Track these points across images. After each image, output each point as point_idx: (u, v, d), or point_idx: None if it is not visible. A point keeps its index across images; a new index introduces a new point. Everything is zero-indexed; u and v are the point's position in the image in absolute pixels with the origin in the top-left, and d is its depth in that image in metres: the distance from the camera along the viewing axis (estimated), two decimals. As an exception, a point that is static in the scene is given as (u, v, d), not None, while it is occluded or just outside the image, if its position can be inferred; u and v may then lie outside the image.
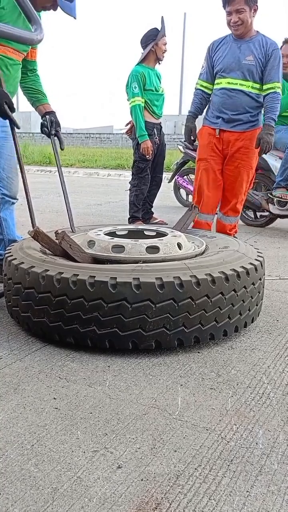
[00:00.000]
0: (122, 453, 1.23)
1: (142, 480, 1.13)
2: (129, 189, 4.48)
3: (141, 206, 4.45)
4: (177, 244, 2.12)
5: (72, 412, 1.40)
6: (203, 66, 3.20)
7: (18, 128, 2.20)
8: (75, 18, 2.27)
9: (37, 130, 22.28)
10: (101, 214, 5.42)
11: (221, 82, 3.07)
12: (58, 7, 2.24)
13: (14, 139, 2.27)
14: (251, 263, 1.96)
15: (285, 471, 1.17)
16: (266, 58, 2.98)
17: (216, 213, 3.35)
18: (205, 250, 2.20)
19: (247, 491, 1.10)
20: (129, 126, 4.50)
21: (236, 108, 3.06)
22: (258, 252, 2.16)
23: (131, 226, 2.61)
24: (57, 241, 1.99)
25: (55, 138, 2.60)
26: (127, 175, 10.99)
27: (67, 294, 1.74)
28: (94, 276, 1.73)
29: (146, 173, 4.35)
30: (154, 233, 2.40)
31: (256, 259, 2.03)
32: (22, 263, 1.92)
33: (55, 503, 1.05)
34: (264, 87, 3.02)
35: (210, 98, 3.21)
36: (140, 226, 2.69)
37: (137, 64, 4.23)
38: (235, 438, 1.30)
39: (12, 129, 2.22)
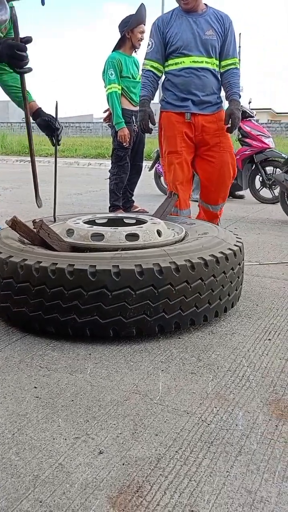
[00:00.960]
0: (104, 439, 1.23)
1: (123, 464, 1.14)
2: (109, 178, 4.46)
3: (121, 195, 4.43)
4: (157, 231, 2.12)
5: (53, 400, 1.40)
6: (149, 45, 2.92)
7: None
8: (43, 3, 2.16)
9: (16, 120, 21.94)
10: (81, 203, 5.38)
11: (182, 62, 2.83)
12: None
13: (28, 129, 2.21)
14: (230, 249, 1.97)
15: (264, 451, 1.19)
16: (225, 32, 2.87)
17: (200, 203, 3.15)
18: (184, 236, 2.20)
19: (227, 471, 1.12)
20: (107, 113, 4.46)
21: (205, 88, 2.86)
22: (237, 238, 2.17)
23: (111, 215, 2.60)
24: (35, 230, 1.97)
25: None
26: (108, 164, 10.91)
27: (46, 283, 1.73)
28: (73, 265, 1.72)
29: (126, 161, 4.32)
30: (133, 221, 2.39)
31: (235, 245, 2.04)
32: (0, 253, 1.89)
33: (36, 490, 1.05)
34: (223, 63, 2.90)
35: (164, 80, 2.96)
36: (119, 214, 2.67)
37: (113, 51, 4.18)
38: (215, 420, 1.32)
39: (27, 120, 2.15)
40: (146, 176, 6.02)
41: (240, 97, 2.93)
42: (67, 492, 1.05)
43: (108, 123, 4.48)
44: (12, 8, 2.06)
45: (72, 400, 1.40)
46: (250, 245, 3.37)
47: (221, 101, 2.99)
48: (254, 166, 5.48)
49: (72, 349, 1.73)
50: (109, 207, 4.44)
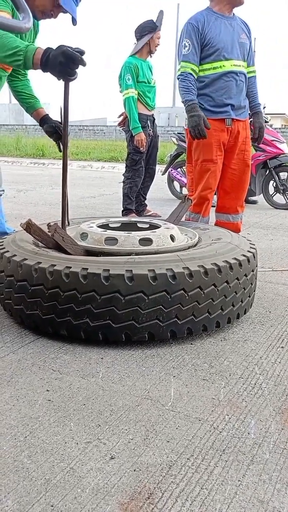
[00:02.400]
0: (115, 444, 1.23)
1: (135, 470, 1.14)
2: (123, 181, 4.47)
3: (134, 199, 4.44)
4: (170, 236, 2.12)
5: (65, 404, 1.40)
6: (186, 46, 2.75)
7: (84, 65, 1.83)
8: (75, 22, 2.16)
9: (30, 123, 22.12)
10: (94, 206, 5.40)
11: (223, 65, 2.73)
12: (59, 15, 2.17)
13: (64, 128, 2.15)
14: (243, 255, 1.97)
15: (276, 460, 1.18)
16: (249, 39, 2.85)
17: (219, 217, 3.10)
18: (198, 242, 2.20)
19: (239, 480, 1.11)
20: (121, 118, 4.48)
21: (242, 93, 2.82)
22: (250, 243, 2.16)
23: (124, 219, 2.61)
24: (49, 233, 1.99)
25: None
26: (121, 167, 10.95)
27: (60, 286, 1.74)
28: (87, 268, 1.73)
29: (140, 165, 4.34)
30: (147, 226, 2.40)
31: (248, 251, 2.03)
32: (15, 255, 1.91)
33: (48, 494, 1.05)
34: (249, 69, 2.88)
35: (201, 84, 2.80)
36: (133, 218, 2.68)
37: (130, 56, 4.20)
38: (227, 428, 1.31)
39: (65, 120, 2.12)
40: (159, 180, 6.03)
41: (261, 106, 2.96)
42: (78, 497, 1.05)
43: (123, 128, 4.50)
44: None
45: (84, 404, 1.41)
46: (263, 251, 3.35)
47: (249, 107, 2.97)
48: (268, 171, 5.46)
49: (84, 353, 1.74)
50: (122, 211, 4.45)
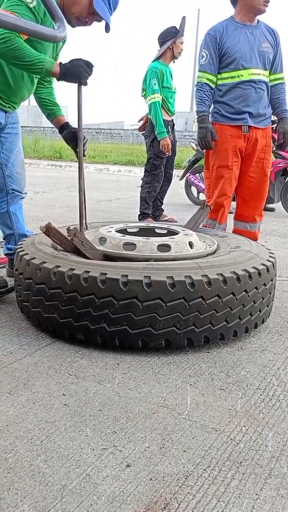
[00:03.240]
0: (131, 451, 1.23)
1: (151, 479, 1.13)
2: (141, 186, 4.47)
3: (152, 203, 4.44)
4: (189, 243, 2.11)
5: (81, 409, 1.40)
6: (204, 56, 2.82)
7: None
8: (108, 29, 2.21)
9: (48, 125, 22.32)
10: (111, 210, 5.42)
11: (241, 74, 2.76)
12: (93, 22, 2.20)
13: (79, 141, 2.37)
14: (263, 264, 1.95)
15: (294, 475, 1.16)
16: (276, 46, 2.85)
17: (237, 225, 3.10)
18: (216, 249, 2.19)
19: (256, 494, 1.10)
20: (141, 122, 4.48)
21: (261, 101, 2.82)
22: (270, 252, 2.14)
23: (142, 224, 2.61)
24: (68, 237, 1.99)
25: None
26: (137, 171, 10.97)
27: (78, 290, 1.74)
28: (106, 273, 1.73)
29: (160, 170, 4.35)
30: (165, 231, 2.39)
31: (268, 260, 2.01)
32: (34, 258, 1.92)
33: (64, 500, 1.05)
34: (272, 77, 2.87)
35: (217, 92, 2.86)
36: (151, 223, 2.68)
37: (154, 61, 4.22)
38: (244, 440, 1.29)
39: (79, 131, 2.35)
40: (176, 185, 6.02)
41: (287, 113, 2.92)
42: (94, 504, 1.05)
43: (143, 133, 4.51)
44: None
45: (100, 410, 1.40)
46: (281, 259, 3.32)
47: (270, 114, 2.95)
48: (287, 179, 5.42)
49: (101, 357, 1.74)
50: (139, 215, 4.45)
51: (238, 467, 1.19)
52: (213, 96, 2.91)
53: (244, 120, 2.82)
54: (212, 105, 2.95)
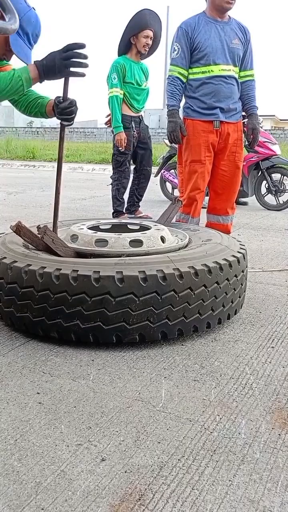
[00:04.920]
0: (106, 446, 1.23)
1: (125, 472, 1.14)
2: (111, 184, 4.47)
3: (123, 200, 4.44)
4: (161, 237, 2.12)
5: (56, 407, 1.40)
6: (176, 50, 2.82)
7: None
8: (29, 61, 1.93)
9: (21, 125, 22.05)
10: (85, 208, 5.39)
11: (211, 70, 2.79)
12: (12, 57, 1.94)
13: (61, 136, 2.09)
14: (233, 256, 1.97)
15: (267, 460, 1.19)
16: (246, 43, 2.89)
17: (209, 218, 3.14)
18: (188, 243, 2.20)
19: (230, 480, 1.11)
20: (109, 117, 4.47)
21: (232, 96, 2.86)
22: (240, 244, 2.17)
23: (115, 220, 2.61)
24: (39, 235, 1.98)
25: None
26: (111, 169, 10.95)
27: (50, 288, 1.73)
28: (77, 270, 1.72)
29: (126, 166, 4.32)
30: (137, 227, 2.40)
31: (238, 252, 2.04)
32: (5, 258, 1.90)
33: (38, 497, 1.05)
34: (242, 73, 2.92)
35: (188, 87, 2.89)
36: (123, 220, 2.68)
37: (119, 55, 4.17)
38: (218, 428, 1.31)
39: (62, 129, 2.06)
40: (151, 182, 6.03)
41: (257, 109, 2.98)
42: (69, 499, 1.05)
43: (109, 127, 4.50)
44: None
45: (75, 407, 1.40)
46: (253, 251, 3.37)
47: (241, 109, 2.99)
48: (260, 173, 5.49)
49: (75, 355, 1.73)
50: (113, 213, 4.45)
51: (212, 455, 1.20)
52: (185, 91, 2.93)
53: (215, 116, 2.86)
54: (184, 100, 2.97)
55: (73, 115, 2.00)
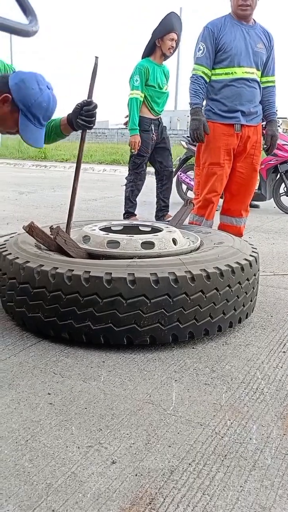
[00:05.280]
0: (117, 448, 1.23)
1: (136, 475, 1.13)
2: (125, 185, 4.46)
3: (136, 202, 4.42)
4: (172, 239, 2.11)
5: (67, 408, 1.40)
6: (201, 49, 2.81)
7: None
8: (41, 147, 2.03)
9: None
10: (96, 209, 5.40)
11: (234, 72, 2.79)
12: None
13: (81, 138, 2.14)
14: (245, 259, 1.96)
15: (278, 466, 1.18)
16: (270, 49, 2.88)
17: (223, 219, 3.14)
18: (200, 245, 2.20)
19: (241, 486, 1.11)
20: (127, 118, 4.46)
21: (254, 99, 2.85)
22: (252, 248, 2.16)
23: (126, 222, 2.61)
24: (52, 236, 1.99)
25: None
26: (123, 170, 10.94)
27: (62, 289, 1.74)
28: (89, 272, 1.73)
29: (142, 168, 4.32)
30: (149, 229, 2.40)
31: (250, 255, 2.03)
32: (17, 258, 1.91)
33: (49, 498, 1.05)
34: (264, 79, 2.92)
35: (213, 89, 2.86)
36: (135, 221, 2.68)
37: (143, 58, 4.15)
38: (229, 433, 1.31)
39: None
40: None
41: (276, 116, 2.98)
42: (79, 501, 1.05)
43: (127, 127, 4.50)
44: (96, 58, 2.06)
45: (85, 408, 1.40)
46: (265, 255, 3.35)
47: (261, 112, 2.98)
48: (278, 176, 5.42)
49: (86, 356, 1.74)
50: (124, 214, 4.44)
51: (223, 460, 1.19)
52: (207, 92, 2.92)
53: (236, 119, 2.84)
54: (205, 102, 2.96)
55: (94, 118, 2.06)
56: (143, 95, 4.11)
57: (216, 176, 2.90)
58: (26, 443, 1.24)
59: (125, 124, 4.56)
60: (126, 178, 4.47)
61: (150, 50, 4.13)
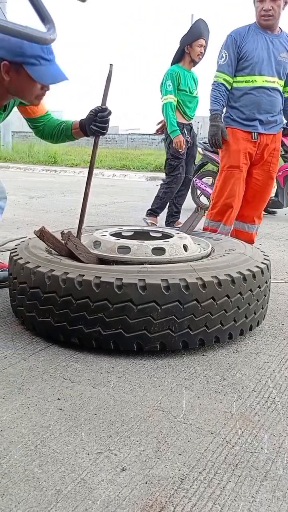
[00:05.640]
0: (126, 455, 1.22)
1: (146, 483, 1.12)
2: (160, 184, 4.44)
3: (164, 204, 4.40)
4: (183, 246, 2.11)
5: (76, 413, 1.39)
6: (223, 57, 2.85)
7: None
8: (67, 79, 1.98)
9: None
10: (106, 214, 5.41)
11: (254, 80, 2.81)
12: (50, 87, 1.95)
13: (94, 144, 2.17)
14: (257, 266, 1.95)
15: (290, 477, 1.16)
16: None
17: (235, 224, 3.16)
18: (211, 252, 2.19)
19: (252, 497, 1.09)
20: (160, 125, 4.48)
21: (273, 109, 2.86)
22: (264, 255, 2.14)
23: (137, 227, 2.61)
24: (63, 241, 1.99)
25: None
26: (132, 175, 10.99)
27: (72, 294, 1.74)
28: (100, 277, 1.72)
29: (179, 171, 4.28)
30: (159, 235, 2.39)
31: (262, 262, 2.02)
32: (28, 262, 1.91)
33: (58, 505, 1.04)
34: (287, 88, 2.91)
35: (233, 96, 2.90)
36: (145, 227, 2.68)
37: (172, 64, 4.22)
38: (240, 442, 1.29)
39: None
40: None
41: None
42: (89, 508, 1.04)
43: (160, 134, 4.52)
44: (111, 65, 2.07)
45: (95, 414, 1.40)
46: (276, 262, 3.33)
47: (282, 120, 2.98)
48: None
49: (96, 361, 1.73)
50: (148, 210, 4.42)
51: (233, 470, 1.18)
52: (227, 100, 2.94)
53: (254, 127, 2.87)
54: (224, 110, 2.98)
55: (107, 125, 2.10)
56: (176, 99, 4.14)
57: (235, 179, 2.91)
58: (36, 449, 1.23)
59: (157, 131, 4.56)
60: (162, 179, 4.47)
61: (180, 56, 4.20)
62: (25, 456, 1.20)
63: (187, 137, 4.27)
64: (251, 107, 2.84)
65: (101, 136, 2.16)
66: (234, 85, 2.88)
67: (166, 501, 1.07)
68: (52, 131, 2.29)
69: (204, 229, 2.95)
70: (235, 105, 2.90)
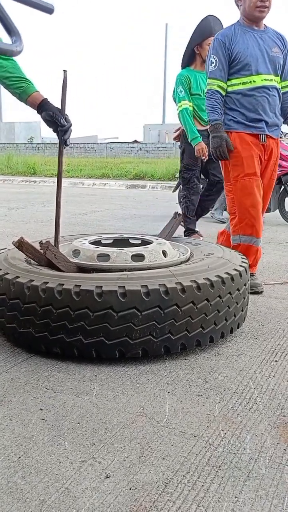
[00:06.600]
0: (110, 462, 1.22)
1: (130, 489, 1.13)
2: (180, 202, 4.25)
3: (194, 217, 4.20)
4: (162, 251, 2.12)
5: (59, 423, 1.39)
6: (213, 62, 2.63)
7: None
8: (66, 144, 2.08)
9: (21, 141, 22.23)
10: (86, 223, 5.41)
11: (253, 80, 2.60)
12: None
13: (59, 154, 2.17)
14: (235, 269, 1.98)
15: (272, 475, 1.17)
16: (285, 52, 2.71)
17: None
18: (190, 257, 2.21)
19: (236, 497, 1.10)
20: (177, 132, 4.28)
21: (275, 109, 2.66)
22: (242, 258, 2.17)
23: (116, 235, 2.62)
24: (41, 251, 1.99)
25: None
26: (112, 184, 11.01)
27: (52, 304, 1.73)
28: (80, 285, 1.73)
29: (194, 182, 4.09)
30: (139, 241, 2.41)
31: (240, 265, 2.04)
32: (7, 273, 1.91)
33: (42, 515, 1.04)
34: (283, 84, 2.72)
35: (231, 99, 2.67)
36: (125, 234, 2.69)
37: (182, 67, 4.00)
38: (222, 444, 1.30)
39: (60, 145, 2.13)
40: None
41: None
42: (73, 517, 1.03)
43: (177, 141, 4.30)
44: (65, 72, 2.04)
45: (78, 423, 1.39)
46: (265, 264, 3.36)
47: (281, 125, 2.79)
48: (282, 187, 5.28)
49: (78, 370, 1.73)
50: (184, 232, 4.14)
51: (217, 471, 1.19)
52: (224, 104, 2.72)
53: (261, 129, 2.64)
54: (224, 114, 2.74)
55: (69, 135, 2.13)
56: (191, 104, 3.92)
57: (254, 187, 2.64)
58: (19, 460, 1.22)
59: (175, 138, 4.42)
60: (179, 195, 4.27)
61: (190, 58, 3.94)
62: (8, 468, 1.19)
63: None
64: (253, 109, 2.62)
65: (65, 146, 2.17)
66: (230, 89, 2.67)
67: (151, 506, 1.07)
68: (11, 77, 2.12)
69: (233, 247, 2.64)
70: (235, 107, 2.67)
